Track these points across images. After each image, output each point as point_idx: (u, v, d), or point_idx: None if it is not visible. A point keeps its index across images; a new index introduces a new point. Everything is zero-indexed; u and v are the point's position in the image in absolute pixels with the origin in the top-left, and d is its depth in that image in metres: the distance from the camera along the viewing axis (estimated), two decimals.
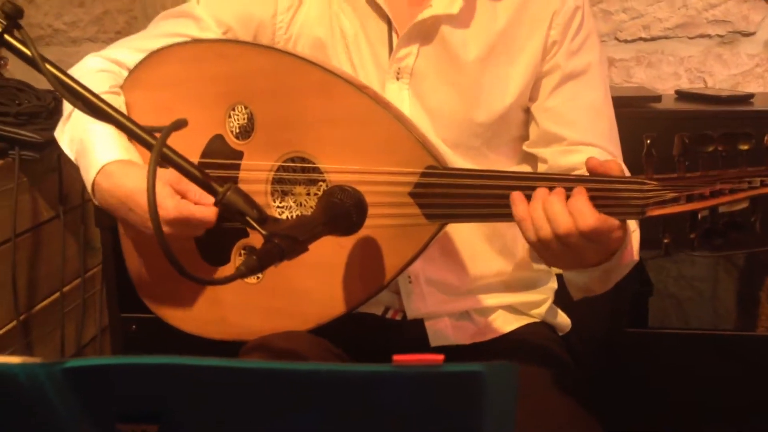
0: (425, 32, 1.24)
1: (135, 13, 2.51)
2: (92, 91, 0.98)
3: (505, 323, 1.34)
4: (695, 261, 2.36)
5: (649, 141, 0.98)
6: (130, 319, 1.95)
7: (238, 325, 1.23)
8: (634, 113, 1.83)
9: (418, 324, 1.30)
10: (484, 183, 1.03)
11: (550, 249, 0.99)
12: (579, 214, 0.95)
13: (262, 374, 0.59)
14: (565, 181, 1.00)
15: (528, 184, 1.01)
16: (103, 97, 1.15)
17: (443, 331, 1.30)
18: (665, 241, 0.99)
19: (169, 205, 1.07)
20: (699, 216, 0.97)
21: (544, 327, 1.38)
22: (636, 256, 1.16)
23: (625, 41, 2.28)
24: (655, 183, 0.97)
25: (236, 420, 0.61)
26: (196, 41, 1.24)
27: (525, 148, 1.30)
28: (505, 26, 1.25)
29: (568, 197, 0.97)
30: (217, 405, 0.61)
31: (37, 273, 2.02)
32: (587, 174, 1.01)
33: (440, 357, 0.57)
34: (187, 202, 1.09)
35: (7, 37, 1.00)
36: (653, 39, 2.27)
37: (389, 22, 1.25)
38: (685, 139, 0.97)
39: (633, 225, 1.16)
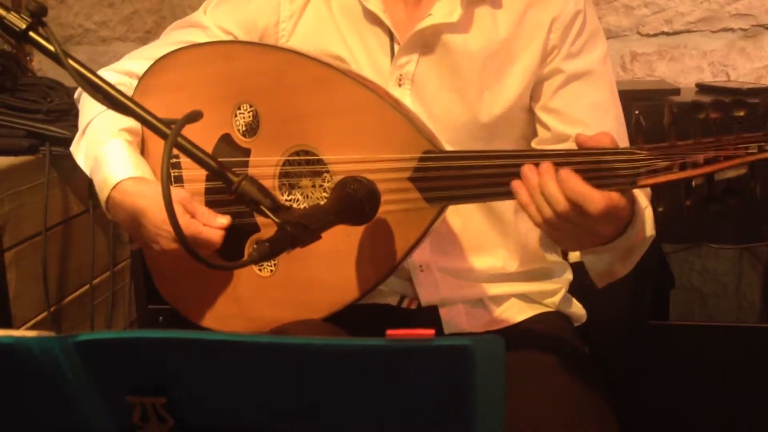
0: (425, 40, 1.27)
1: (164, 13, 2.57)
2: (112, 85, 1.02)
3: (519, 312, 1.36)
4: (719, 255, 2.35)
5: (637, 111, 0.99)
6: (158, 311, 1.99)
7: (256, 318, 1.27)
8: (652, 106, 1.83)
9: (433, 312, 1.32)
10: (480, 164, 1.05)
11: (559, 229, 1.00)
12: (579, 196, 0.96)
13: (263, 348, 0.62)
14: (556, 156, 1.01)
15: (522, 161, 1.02)
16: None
17: (457, 318, 1.32)
18: (659, 209, 0.99)
19: (180, 222, 1.10)
20: (693, 183, 0.97)
21: (558, 317, 1.39)
22: (651, 231, 1.17)
23: (648, 35, 2.29)
24: (645, 152, 0.97)
25: (239, 391, 0.65)
26: (199, 45, 1.29)
27: (537, 147, 1.32)
28: (506, 35, 1.27)
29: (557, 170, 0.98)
30: (223, 377, 0.64)
31: (67, 266, 2.08)
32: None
33: (431, 331, 0.60)
34: (197, 222, 1.14)
35: (32, 33, 1.04)
36: (676, 33, 2.27)
37: (390, 33, 1.28)
38: (673, 108, 0.97)
39: (644, 201, 1.17)
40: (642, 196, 1.16)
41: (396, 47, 1.28)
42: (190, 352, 0.62)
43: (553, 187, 0.98)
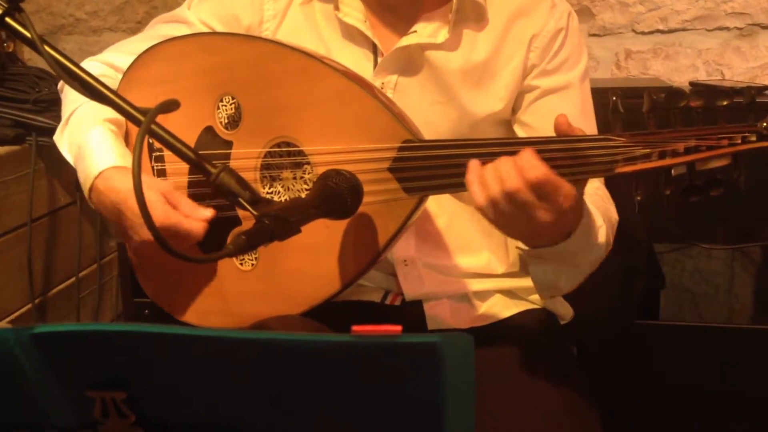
0: (408, 55, 1.26)
1: (156, 3, 2.54)
2: (88, 72, 1.00)
3: (504, 308, 1.34)
4: (711, 255, 2.34)
5: (615, 97, 0.97)
6: (144, 304, 1.97)
7: (238, 313, 1.25)
8: (642, 103, 1.81)
9: (417, 307, 1.31)
10: (458, 152, 1.04)
11: (500, 210, 0.97)
12: (526, 166, 0.94)
13: (227, 342, 0.60)
14: (533, 144, 0.99)
15: (497, 150, 1.00)
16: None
17: (441, 315, 1.30)
18: (637, 198, 0.97)
19: (159, 212, 1.09)
20: (673, 172, 0.95)
21: (544, 314, 1.38)
22: (602, 247, 1.15)
23: (643, 33, 2.27)
24: (623, 139, 0.95)
25: (203, 387, 0.63)
26: (182, 37, 1.27)
27: None
28: (487, 56, 1.26)
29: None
30: (184, 372, 0.63)
31: (53, 258, 2.05)
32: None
33: (398, 328, 0.58)
34: (177, 212, 1.11)
35: (8, 19, 1.02)
36: (671, 31, 2.25)
37: (373, 44, 1.27)
38: (653, 95, 0.95)
39: (599, 220, 1.16)
40: (599, 216, 1.15)
41: (378, 56, 1.27)
42: (150, 346, 0.61)
43: (509, 164, 0.95)
